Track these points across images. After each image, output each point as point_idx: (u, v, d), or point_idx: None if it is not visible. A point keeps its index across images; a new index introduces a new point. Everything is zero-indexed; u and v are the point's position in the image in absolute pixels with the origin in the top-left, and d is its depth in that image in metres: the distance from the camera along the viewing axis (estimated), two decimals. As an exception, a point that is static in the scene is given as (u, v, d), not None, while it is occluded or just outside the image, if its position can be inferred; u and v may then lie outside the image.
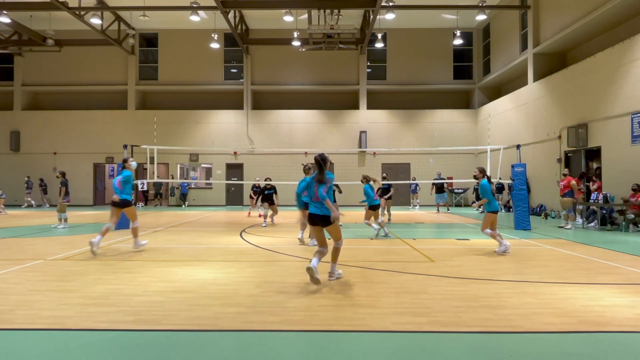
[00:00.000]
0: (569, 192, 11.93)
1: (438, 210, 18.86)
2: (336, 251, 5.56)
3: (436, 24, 22.79)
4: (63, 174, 12.38)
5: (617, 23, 13.84)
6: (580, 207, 12.24)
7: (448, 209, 19.26)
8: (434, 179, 18.95)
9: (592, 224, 12.00)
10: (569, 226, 11.94)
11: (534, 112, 17.25)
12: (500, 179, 13.31)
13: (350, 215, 15.54)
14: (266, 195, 12.80)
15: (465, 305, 4.45)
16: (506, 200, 18.73)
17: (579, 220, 12.32)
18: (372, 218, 9.83)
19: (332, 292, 5.01)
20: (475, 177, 8.12)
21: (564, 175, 12.29)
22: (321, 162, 5.39)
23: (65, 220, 12.12)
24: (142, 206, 23.13)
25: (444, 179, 18.35)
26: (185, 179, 25.19)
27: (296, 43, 20.53)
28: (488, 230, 7.84)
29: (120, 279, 5.68)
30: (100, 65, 23.67)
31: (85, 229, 11.92)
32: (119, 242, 9.22)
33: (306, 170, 8.44)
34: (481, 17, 19.20)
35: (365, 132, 22.71)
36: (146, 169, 18.79)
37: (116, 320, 3.97)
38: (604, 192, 12.15)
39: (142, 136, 21.66)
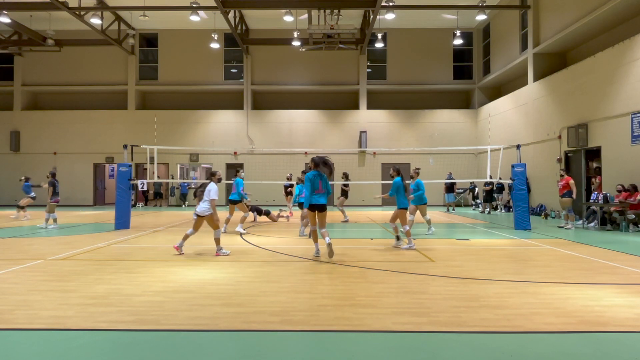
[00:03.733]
0: (567, 192, 11.93)
1: (448, 209, 18.93)
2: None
3: (436, 24, 22.78)
4: (53, 175, 12.26)
5: (617, 23, 13.84)
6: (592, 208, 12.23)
7: (453, 209, 19.25)
8: (446, 179, 18.93)
9: (592, 224, 12.00)
10: (569, 226, 11.95)
11: (534, 112, 17.25)
12: (500, 178, 13.31)
13: (353, 215, 15.55)
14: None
15: (465, 305, 4.45)
16: (506, 200, 18.72)
17: (579, 221, 12.31)
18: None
19: (332, 292, 5.01)
20: (391, 176, 8.63)
21: (561, 175, 12.29)
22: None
23: (55, 220, 12.00)
24: (142, 206, 23.14)
25: (454, 179, 18.30)
26: (185, 179, 25.18)
27: (296, 43, 20.52)
28: (401, 226, 8.48)
29: (120, 279, 5.68)
30: (100, 65, 23.66)
31: (85, 228, 11.92)
32: (119, 242, 9.22)
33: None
34: (481, 17, 19.19)
35: (365, 132, 22.71)
36: (146, 169, 18.77)
37: (116, 320, 3.97)
38: (603, 192, 12.14)
39: (142, 136, 21.64)
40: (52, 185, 12.00)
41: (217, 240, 7.20)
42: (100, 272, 6.09)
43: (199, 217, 7.29)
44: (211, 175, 7.38)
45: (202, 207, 7.17)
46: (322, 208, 7.11)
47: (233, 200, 10.82)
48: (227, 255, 7.25)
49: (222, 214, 11.15)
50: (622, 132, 12.30)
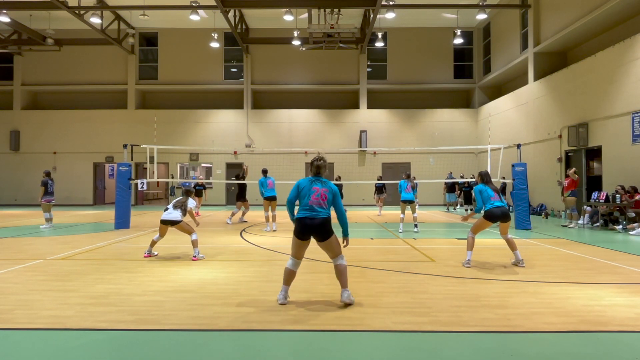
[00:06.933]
0: (572, 192, 11.94)
1: (448, 209, 18.92)
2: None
3: (436, 23, 22.76)
4: (47, 174, 12.05)
5: (618, 22, 13.83)
6: (589, 208, 12.21)
7: (455, 208, 19.22)
8: (447, 179, 18.91)
9: (597, 224, 11.98)
10: (572, 225, 11.96)
11: (534, 111, 17.23)
12: (504, 178, 13.30)
13: (352, 215, 15.55)
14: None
15: (466, 305, 4.44)
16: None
17: (582, 220, 12.29)
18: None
19: (332, 291, 5.00)
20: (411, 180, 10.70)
21: (567, 175, 12.28)
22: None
23: (50, 220, 11.79)
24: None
25: (455, 179, 18.30)
26: (185, 178, 25.18)
27: (296, 42, 20.50)
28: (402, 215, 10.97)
29: (120, 278, 5.68)
30: (100, 64, 23.65)
31: (84, 228, 11.92)
32: (119, 241, 9.21)
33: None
34: (481, 17, 19.17)
35: (365, 131, 22.70)
36: (146, 168, 18.76)
37: (116, 320, 3.97)
38: (605, 192, 12.13)
39: (142, 136, 21.65)
40: (44, 185, 11.78)
41: (195, 242, 7.24)
42: (100, 271, 6.09)
43: (167, 225, 7.24)
44: (189, 192, 7.60)
45: (175, 214, 7.20)
46: (319, 230, 4.41)
47: (273, 197, 11.31)
48: (202, 258, 7.14)
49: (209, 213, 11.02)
50: (622, 132, 12.29)
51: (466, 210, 17.26)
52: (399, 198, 11.25)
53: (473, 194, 7.07)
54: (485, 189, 6.67)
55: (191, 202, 7.51)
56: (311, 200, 4.43)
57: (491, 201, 6.57)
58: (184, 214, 7.35)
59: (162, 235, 7.38)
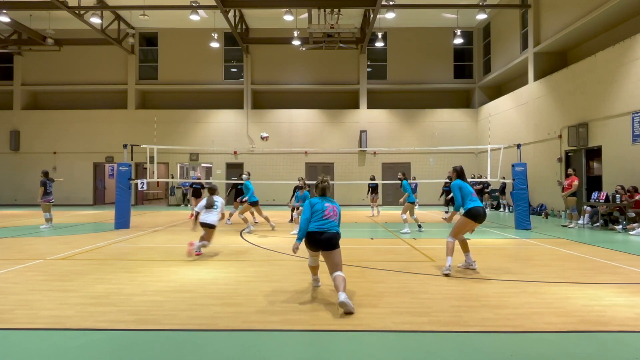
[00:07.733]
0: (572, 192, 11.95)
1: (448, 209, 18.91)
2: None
3: (436, 23, 22.76)
4: (45, 174, 11.97)
5: (618, 22, 13.82)
6: (588, 208, 12.21)
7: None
8: (446, 179, 18.87)
9: (596, 224, 11.97)
10: (572, 225, 11.95)
11: (534, 111, 17.23)
12: (504, 178, 13.29)
13: (351, 215, 15.53)
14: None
15: (466, 305, 4.44)
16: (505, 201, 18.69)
17: (582, 220, 12.28)
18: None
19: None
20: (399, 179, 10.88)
21: (569, 175, 12.28)
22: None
23: (49, 220, 11.75)
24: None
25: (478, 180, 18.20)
26: (185, 178, 25.18)
27: (296, 42, 20.50)
28: (404, 216, 10.79)
29: (120, 278, 5.68)
30: (100, 64, 23.64)
31: (84, 228, 11.91)
32: (119, 241, 9.21)
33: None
34: (481, 17, 19.17)
35: (365, 131, 22.70)
36: (146, 168, 18.77)
37: (116, 320, 3.97)
38: (605, 192, 12.14)
39: (142, 136, 21.65)
40: (43, 185, 11.75)
41: (203, 245, 7.33)
42: (100, 271, 6.09)
43: (212, 228, 7.37)
44: (212, 190, 7.63)
45: (214, 218, 7.34)
46: (327, 245, 4.57)
47: (257, 202, 11.76)
48: (198, 255, 7.24)
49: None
50: (622, 132, 12.29)
51: (446, 212, 16.88)
52: (398, 198, 11.23)
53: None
54: (464, 185, 6.18)
55: (218, 199, 7.54)
56: (324, 214, 4.71)
57: (472, 197, 6.08)
58: (221, 217, 7.46)
59: (209, 240, 7.44)
